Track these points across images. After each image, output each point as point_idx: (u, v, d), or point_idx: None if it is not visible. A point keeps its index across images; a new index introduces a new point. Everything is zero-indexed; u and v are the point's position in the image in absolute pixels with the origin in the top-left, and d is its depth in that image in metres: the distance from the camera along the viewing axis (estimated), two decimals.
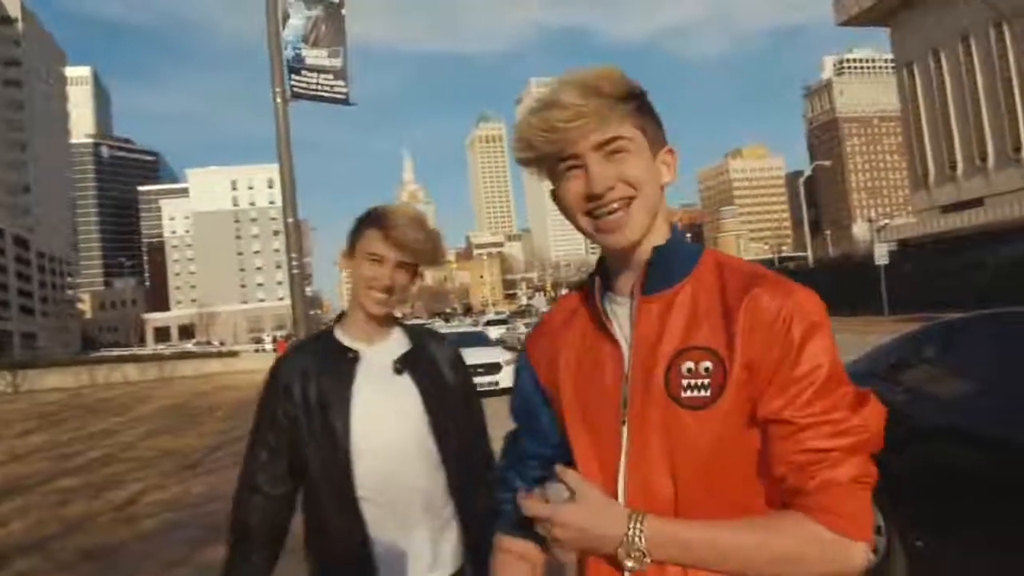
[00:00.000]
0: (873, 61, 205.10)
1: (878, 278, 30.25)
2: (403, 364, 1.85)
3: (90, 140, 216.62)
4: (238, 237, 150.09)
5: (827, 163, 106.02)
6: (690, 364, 1.09)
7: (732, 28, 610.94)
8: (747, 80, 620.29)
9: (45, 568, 5.56)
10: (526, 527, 1.24)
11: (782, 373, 1.04)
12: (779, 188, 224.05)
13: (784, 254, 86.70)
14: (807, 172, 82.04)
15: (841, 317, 30.84)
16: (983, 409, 3.66)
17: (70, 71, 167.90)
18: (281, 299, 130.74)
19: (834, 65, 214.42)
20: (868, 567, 1.04)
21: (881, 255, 30.66)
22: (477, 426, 1.99)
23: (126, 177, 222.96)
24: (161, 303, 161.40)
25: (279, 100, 6.58)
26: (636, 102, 1.13)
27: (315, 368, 1.83)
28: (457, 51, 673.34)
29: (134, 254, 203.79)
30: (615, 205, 1.11)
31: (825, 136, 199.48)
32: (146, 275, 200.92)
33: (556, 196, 1.18)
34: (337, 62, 6.79)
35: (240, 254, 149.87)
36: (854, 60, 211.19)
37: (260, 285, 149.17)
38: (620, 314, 1.19)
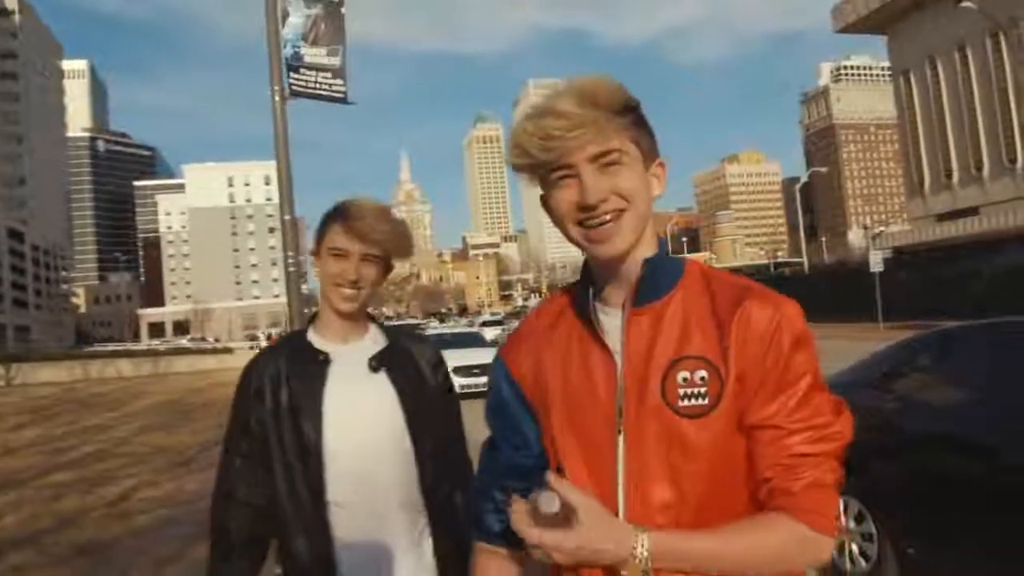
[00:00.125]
0: (870, 68, 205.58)
1: (873, 285, 30.29)
2: (379, 362, 1.81)
3: (86, 134, 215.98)
4: (234, 234, 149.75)
5: (824, 169, 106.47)
6: (686, 373, 1.11)
7: (730, 33, 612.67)
8: (744, 85, 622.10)
9: (38, 562, 5.56)
10: (505, 536, 1.26)
11: (772, 381, 1.10)
12: (775, 194, 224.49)
13: (779, 260, 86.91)
14: (803, 178, 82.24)
15: (835, 324, 30.87)
16: (976, 418, 3.69)
17: (67, 64, 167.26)
18: (276, 296, 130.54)
19: (831, 72, 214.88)
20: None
21: (876, 262, 30.70)
22: (454, 427, 1.94)
23: (122, 172, 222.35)
24: (156, 298, 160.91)
25: (277, 98, 6.57)
26: (632, 115, 1.15)
27: (286, 371, 1.78)
28: (455, 51, 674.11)
29: (129, 249, 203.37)
30: (607, 216, 1.12)
31: (822, 142, 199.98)
32: (141, 270, 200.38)
33: (547, 203, 1.18)
34: (336, 61, 6.79)
35: (236, 251, 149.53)
36: (851, 67, 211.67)
37: (255, 282, 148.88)
38: (609, 324, 1.19)
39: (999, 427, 3.47)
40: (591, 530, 1.02)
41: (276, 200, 7.22)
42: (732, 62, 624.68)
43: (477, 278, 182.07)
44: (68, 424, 15.27)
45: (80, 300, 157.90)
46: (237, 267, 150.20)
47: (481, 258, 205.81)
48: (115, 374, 35.26)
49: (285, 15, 6.47)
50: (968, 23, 37.47)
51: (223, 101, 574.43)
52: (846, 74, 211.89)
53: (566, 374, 1.22)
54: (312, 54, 6.58)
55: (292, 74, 6.50)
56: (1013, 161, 38.82)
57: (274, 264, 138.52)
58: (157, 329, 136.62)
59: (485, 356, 16.50)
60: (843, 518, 4.26)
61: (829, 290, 36.63)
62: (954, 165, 43.40)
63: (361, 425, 1.74)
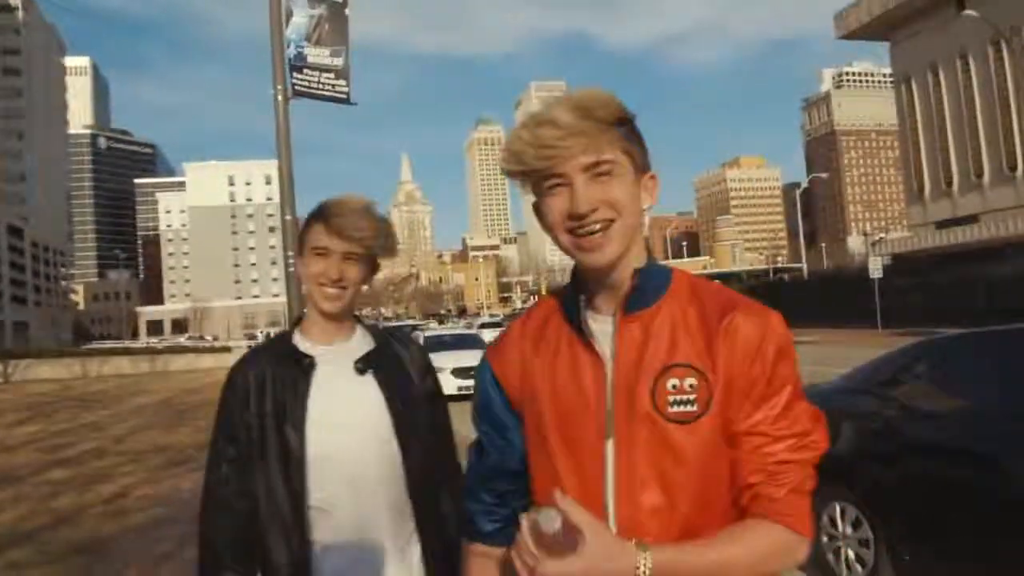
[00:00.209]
0: (872, 75, 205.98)
1: (872, 292, 30.34)
2: (365, 364, 1.77)
3: (88, 131, 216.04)
4: (234, 232, 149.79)
5: (824, 175, 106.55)
6: (675, 381, 1.15)
7: (733, 38, 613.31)
8: (746, 90, 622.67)
9: (35, 560, 5.56)
10: (496, 536, 1.32)
11: (758, 390, 1.15)
12: (776, 199, 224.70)
13: (779, 265, 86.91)
14: (804, 184, 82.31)
15: (834, 330, 30.92)
16: (973, 426, 3.70)
17: (69, 61, 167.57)
18: (276, 295, 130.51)
19: (833, 78, 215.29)
20: None
21: (876, 269, 30.74)
22: (443, 430, 1.91)
23: (123, 169, 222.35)
24: (155, 296, 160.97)
25: (280, 98, 6.60)
26: (626, 127, 1.17)
27: (271, 375, 1.74)
28: (457, 53, 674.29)
29: (129, 246, 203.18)
30: (596, 226, 1.14)
31: (822, 148, 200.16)
32: (140, 268, 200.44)
33: (538, 210, 1.21)
34: (339, 61, 6.81)
35: (236, 249, 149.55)
36: (853, 73, 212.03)
37: (255, 281, 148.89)
38: (598, 331, 1.22)
39: (996, 435, 3.48)
40: (596, 551, 1.03)
41: (277, 199, 7.24)
42: (734, 66, 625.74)
43: (476, 280, 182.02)
44: (66, 421, 15.28)
45: (79, 297, 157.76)
46: (237, 266, 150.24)
47: (481, 260, 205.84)
48: (113, 372, 35.25)
49: (289, 15, 6.50)
50: (970, 31, 37.52)
51: (225, 100, 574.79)
52: (848, 80, 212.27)
53: (554, 378, 1.24)
54: (315, 54, 6.60)
55: (295, 74, 6.53)
56: (1013, 169, 38.84)
57: (274, 264, 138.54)
58: (155, 327, 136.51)
59: None
60: (840, 524, 4.27)
61: (828, 296, 36.66)
62: (954, 172, 43.43)
63: (346, 429, 1.71)
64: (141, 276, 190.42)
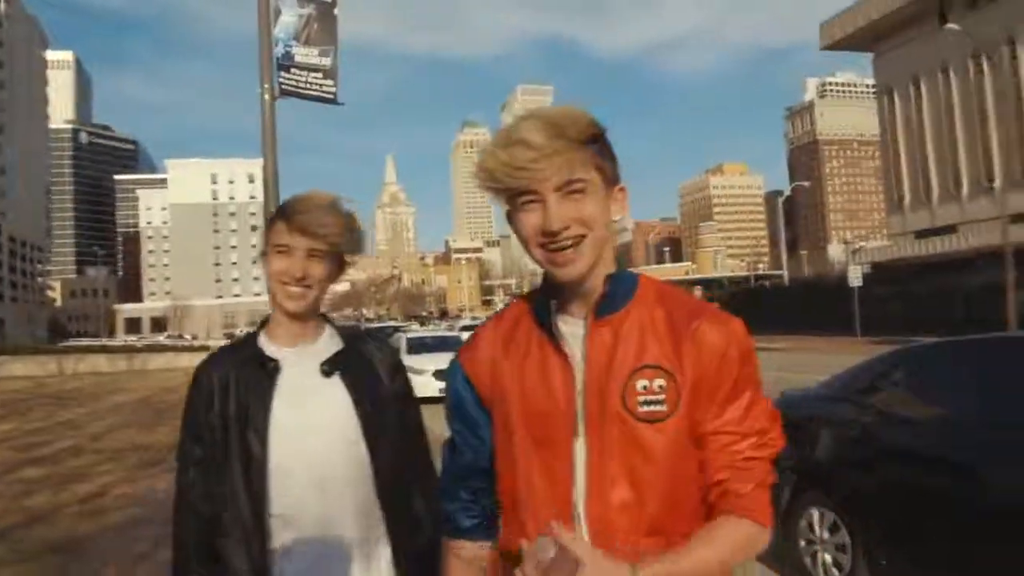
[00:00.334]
0: (855, 86, 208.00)
1: (852, 299, 30.63)
2: (332, 366, 1.72)
3: (69, 126, 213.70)
4: (216, 231, 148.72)
5: (807, 184, 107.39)
6: (645, 382, 1.20)
7: (719, 46, 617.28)
8: (731, 98, 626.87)
9: (9, 559, 5.48)
10: (476, 531, 1.37)
11: (723, 392, 1.22)
12: (758, 206, 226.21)
13: (760, 272, 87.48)
14: (786, 192, 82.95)
15: (814, 337, 31.18)
16: (949, 434, 3.75)
17: (52, 55, 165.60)
18: (257, 295, 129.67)
19: (817, 88, 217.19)
20: None
21: (855, 277, 31.07)
22: (414, 433, 1.86)
23: (104, 165, 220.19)
24: (134, 294, 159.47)
25: (267, 96, 6.57)
26: (598, 144, 1.21)
27: (235, 378, 1.70)
28: (445, 55, 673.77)
29: (108, 243, 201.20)
30: (568, 242, 1.19)
31: (805, 157, 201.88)
32: (119, 265, 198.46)
33: (512, 223, 1.25)
34: (327, 61, 6.79)
35: (217, 248, 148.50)
36: (836, 84, 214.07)
37: (236, 280, 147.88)
38: (569, 333, 1.26)
39: (971, 443, 3.54)
40: (594, 574, 1.07)
41: (260, 198, 7.23)
42: (719, 75, 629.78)
43: (459, 282, 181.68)
44: (41, 419, 15.07)
45: (56, 293, 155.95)
46: (218, 265, 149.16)
47: (464, 262, 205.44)
48: (89, 369, 34.82)
49: (277, 13, 6.47)
50: (952, 45, 38.05)
51: (210, 98, 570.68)
52: (831, 90, 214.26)
53: (524, 379, 1.28)
54: (304, 54, 6.58)
55: (283, 73, 6.50)
56: (991, 181, 39.40)
57: (255, 262, 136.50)
58: (134, 325, 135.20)
59: None
60: (817, 528, 4.31)
61: (809, 303, 36.99)
62: (934, 183, 44.00)
63: (311, 434, 1.67)
64: (120, 273, 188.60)
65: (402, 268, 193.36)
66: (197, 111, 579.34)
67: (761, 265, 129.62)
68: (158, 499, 7.16)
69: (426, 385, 14.17)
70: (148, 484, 8.09)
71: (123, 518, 6.63)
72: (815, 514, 4.32)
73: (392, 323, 56.62)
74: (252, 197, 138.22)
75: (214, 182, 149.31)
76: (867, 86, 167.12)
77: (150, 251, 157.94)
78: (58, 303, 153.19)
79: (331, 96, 6.84)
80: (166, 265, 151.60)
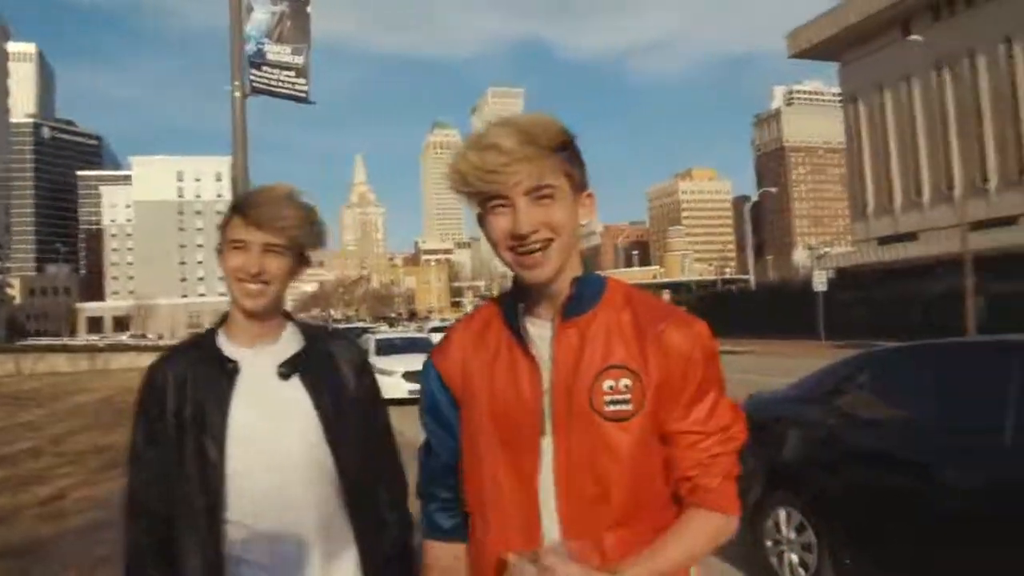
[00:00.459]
0: (821, 94, 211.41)
1: (816, 304, 31.11)
2: (291, 367, 1.65)
3: (30, 120, 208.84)
4: (181, 229, 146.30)
5: (774, 189, 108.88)
6: (611, 382, 1.24)
7: (690, 53, 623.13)
8: (701, 104, 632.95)
9: None
10: (455, 531, 1.40)
11: (689, 392, 1.26)
12: (726, 211, 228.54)
13: (727, 276, 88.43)
14: (754, 197, 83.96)
15: (779, 340, 31.61)
16: (910, 436, 3.83)
17: (13, 47, 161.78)
18: (222, 294, 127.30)
19: (784, 95, 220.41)
20: None
21: (820, 282, 31.58)
22: (382, 435, 1.79)
23: (66, 160, 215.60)
24: (96, 292, 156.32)
25: (237, 94, 6.50)
26: (567, 151, 1.25)
27: (191, 378, 1.62)
28: (416, 54, 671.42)
29: (70, 240, 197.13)
30: (536, 245, 1.22)
31: (772, 163, 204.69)
32: (81, 263, 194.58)
33: (483, 226, 1.28)
34: (300, 59, 6.74)
35: (183, 246, 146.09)
36: (803, 92, 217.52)
37: (201, 279, 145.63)
38: (537, 335, 1.30)
39: (931, 446, 3.62)
40: None
41: (227, 196, 7.14)
42: (690, 81, 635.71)
43: (428, 283, 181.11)
44: None
45: (14, 291, 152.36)
46: (183, 263, 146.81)
47: (433, 264, 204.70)
48: (48, 369, 34.11)
49: (250, 10, 6.41)
50: (915, 55, 38.83)
51: (177, 94, 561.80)
52: (798, 98, 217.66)
53: (493, 379, 1.31)
54: (276, 51, 6.53)
55: (254, 71, 6.44)
56: (951, 189, 40.30)
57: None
58: (96, 324, 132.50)
59: None
60: (784, 528, 4.37)
61: (774, 308, 37.49)
62: (897, 191, 44.84)
63: (269, 438, 1.60)
64: (82, 271, 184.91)
65: (371, 269, 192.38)
66: (164, 108, 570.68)
67: (728, 269, 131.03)
68: (120, 502, 7.04)
69: (395, 387, 14.12)
70: (109, 487, 7.94)
71: (84, 521, 6.50)
72: (782, 514, 4.38)
73: (360, 324, 56.27)
74: (219, 196, 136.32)
75: (180, 180, 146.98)
76: (833, 94, 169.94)
77: (113, 249, 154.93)
78: (17, 301, 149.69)
79: (303, 95, 6.79)
80: (130, 263, 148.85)
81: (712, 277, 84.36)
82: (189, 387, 1.62)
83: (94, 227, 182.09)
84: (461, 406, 1.37)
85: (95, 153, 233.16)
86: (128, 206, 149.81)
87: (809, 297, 31.91)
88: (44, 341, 65.37)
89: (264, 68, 6.51)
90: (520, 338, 1.30)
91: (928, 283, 28.53)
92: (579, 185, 1.28)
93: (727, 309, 39.91)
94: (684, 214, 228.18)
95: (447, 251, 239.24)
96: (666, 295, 40.69)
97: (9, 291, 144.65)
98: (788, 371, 9.41)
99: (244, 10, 6.43)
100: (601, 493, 1.24)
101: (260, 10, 6.45)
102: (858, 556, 3.87)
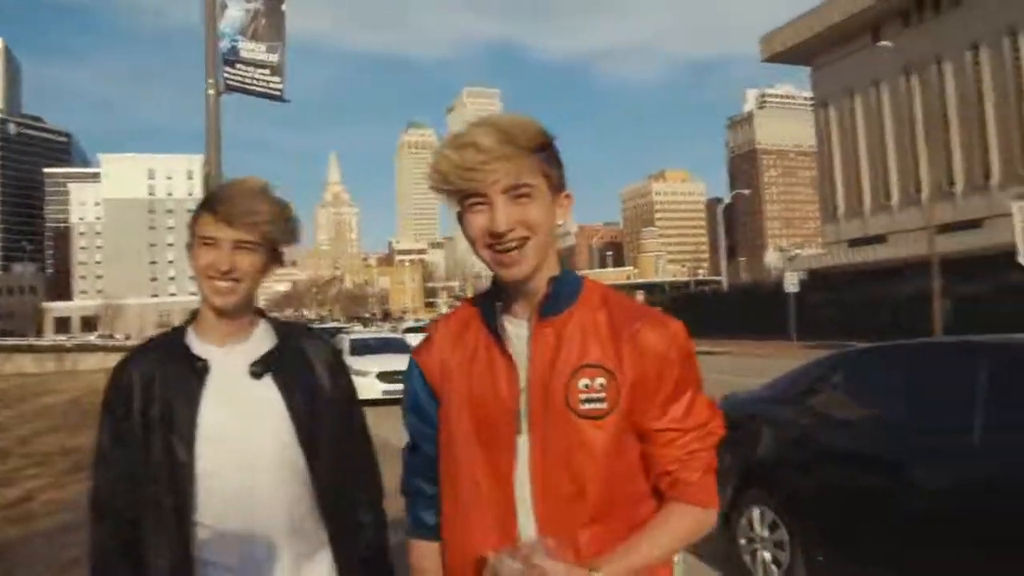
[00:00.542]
0: (793, 98, 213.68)
1: (788, 305, 31.44)
2: (263, 366, 1.61)
3: None
4: (152, 228, 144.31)
5: (747, 192, 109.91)
6: (586, 380, 1.26)
7: (664, 56, 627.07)
8: (675, 106, 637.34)
9: None
10: (440, 529, 1.40)
11: (666, 390, 1.29)
12: (699, 212, 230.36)
13: (700, 277, 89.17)
14: (726, 199, 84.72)
15: (751, 341, 31.92)
16: (880, 436, 3.89)
17: None
18: (193, 294, 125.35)
19: (756, 99, 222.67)
20: None
21: (791, 283, 31.90)
22: (358, 437, 1.76)
23: (34, 157, 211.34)
24: (63, 292, 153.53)
25: (211, 92, 6.44)
26: (546, 152, 1.27)
27: (159, 377, 1.58)
28: (392, 53, 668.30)
29: (37, 239, 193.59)
30: (512, 243, 1.24)
31: (745, 165, 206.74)
32: (48, 262, 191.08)
33: (462, 223, 1.30)
34: (274, 57, 6.69)
35: (153, 245, 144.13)
36: (775, 95, 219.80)
37: (172, 279, 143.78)
38: (515, 334, 1.32)
39: (901, 446, 3.68)
40: None
41: (199, 195, 7.05)
42: (664, 83, 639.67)
43: (402, 284, 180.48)
44: None
45: None
46: (154, 262, 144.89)
47: (407, 264, 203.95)
48: (14, 370, 33.46)
49: (224, 7, 6.35)
50: (884, 61, 39.41)
51: (149, 91, 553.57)
52: (770, 102, 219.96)
53: (471, 376, 1.33)
54: (250, 49, 6.47)
55: (228, 68, 6.39)
56: (919, 192, 40.98)
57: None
58: (63, 324, 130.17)
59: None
60: (757, 527, 4.42)
61: (747, 309, 37.87)
62: (866, 194, 45.49)
63: (240, 439, 1.56)
64: (49, 270, 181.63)
65: (344, 269, 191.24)
66: (137, 105, 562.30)
67: (701, 270, 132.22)
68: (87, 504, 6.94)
69: (370, 387, 14.06)
70: (77, 488, 7.81)
71: (52, 524, 6.40)
72: (756, 513, 4.43)
73: (334, 324, 55.91)
74: (191, 194, 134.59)
75: (151, 177, 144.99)
76: (805, 98, 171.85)
77: (82, 247, 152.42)
78: None
79: (278, 93, 6.75)
80: (98, 262, 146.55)
81: (685, 278, 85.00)
82: (157, 386, 1.58)
83: (62, 225, 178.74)
84: (440, 404, 1.39)
85: (64, 150, 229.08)
86: (97, 204, 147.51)
87: (781, 298, 32.24)
88: (10, 341, 64.01)
89: (238, 66, 6.45)
90: (498, 337, 1.32)
91: (897, 285, 28.96)
92: (557, 185, 1.30)
93: (700, 310, 40.18)
94: (658, 215, 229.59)
95: (421, 251, 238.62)
96: (640, 296, 40.93)
97: None
98: (761, 371, 9.51)
99: (218, 7, 6.37)
100: (576, 490, 1.25)
101: (234, 7, 6.39)
102: (830, 554, 3.92)
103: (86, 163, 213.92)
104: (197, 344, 1.63)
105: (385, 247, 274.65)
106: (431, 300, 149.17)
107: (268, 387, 1.60)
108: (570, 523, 1.25)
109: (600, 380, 1.26)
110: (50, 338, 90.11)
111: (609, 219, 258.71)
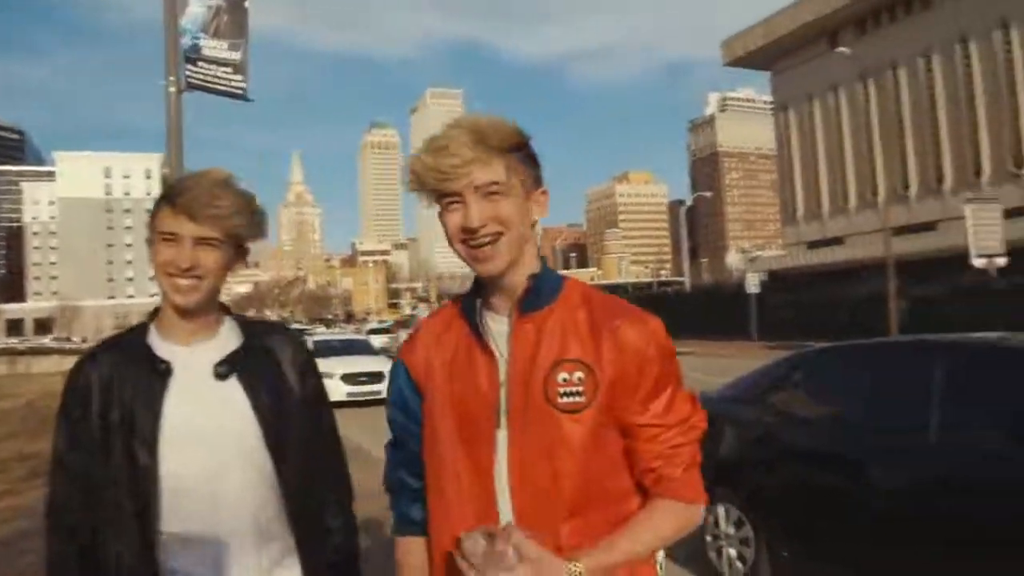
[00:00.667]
0: (754, 101, 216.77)
1: (749, 306, 31.89)
2: (228, 366, 1.56)
3: None
4: (109, 228, 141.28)
5: (709, 194, 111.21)
6: (565, 374, 1.28)
7: (627, 58, 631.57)
8: (638, 109, 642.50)
9: None
10: (425, 525, 1.42)
11: (646, 387, 1.31)
12: (662, 214, 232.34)
13: (663, 279, 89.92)
14: (689, 201, 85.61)
15: (713, 341, 32.29)
16: (840, 435, 3.97)
17: None
18: (153, 295, 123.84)
19: (718, 102, 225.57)
20: None
21: (753, 284, 32.37)
22: (327, 438, 1.71)
23: None
24: (16, 293, 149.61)
25: (172, 90, 6.33)
26: (520, 152, 1.32)
27: (118, 379, 1.52)
28: (354, 52, 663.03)
29: None
30: (486, 239, 1.28)
31: (707, 168, 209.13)
32: (0, 262, 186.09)
33: (441, 221, 1.33)
34: (237, 55, 6.60)
35: (111, 246, 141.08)
36: (737, 99, 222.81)
37: (130, 280, 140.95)
38: (496, 330, 1.35)
39: (859, 445, 3.75)
40: (537, 568, 1.17)
41: (157, 194, 6.95)
42: (628, 86, 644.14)
43: (365, 285, 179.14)
44: None
45: None
46: (111, 263, 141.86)
47: (371, 265, 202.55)
48: None
49: (185, 3, 6.25)
50: (841, 67, 40.21)
51: (107, 88, 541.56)
52: (732, 105, 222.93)
53: (452, 372, 1.36)
54: (212, 47, 6.38)
55: (189, 66, 6.28)
56: (875, 195, 41.90)
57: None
58: (15, 326, 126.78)
59: (373, 364, 16.32)
60: (723, 524, 4.48)
61: (709, 309, 38.25)
62: (824, 196, 46.38)
63: (204, 443, 1.51)
64: (1, 271, 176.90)
65: (307, 270, 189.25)
66: (94, 102, 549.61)
67: (664, 272, 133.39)
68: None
69: (335, 389, 13.94)
70: (35, 495, 7.63)
71: (9, 531, 6.26)
72: (721, 510, 4.49)
73: (297, 326, 55.34)
74: (149, 193, 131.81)
75: (108, 176, 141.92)
76: (765, 102, 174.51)
77: (35, 248, 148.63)
78: None
79: (241, 92, 6.66)
80: (53, 263, 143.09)
81: (648, 279, 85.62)
82: (116, 388, 1.52)
83: (14, 225, 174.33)
84: (424, 400, 1.42)
85: (17, 147, 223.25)
86: (52, 203, 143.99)
87: (742, 299, 32.69)
88: None
89: (200, 63, 6.35)
90: (479, 333, 1.35)
91: (854, 286, 29.54)
92: (531, 183, 1.34)
93: (663, 311, 39.65)
94: (621, 217, 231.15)
95: (384, 252, 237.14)
96: None
97: None
98: (725, 371, 9.65)
99: (179, 3, 6.27)
100: (554, 484, 1.27)
101: (196, 4, 6.30)
102: (794, 550, 3.99)
103: (40, 161, 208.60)
104: (159, 343, 1.56)
105: (348, 248, 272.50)
106: (395, 301, 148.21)
107: (234, 387, 1.55)
108: (549, 516, 1.27)
109: (578, 374, 1.28)
110: (2, 341, 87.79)
111: (572, 220, 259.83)
